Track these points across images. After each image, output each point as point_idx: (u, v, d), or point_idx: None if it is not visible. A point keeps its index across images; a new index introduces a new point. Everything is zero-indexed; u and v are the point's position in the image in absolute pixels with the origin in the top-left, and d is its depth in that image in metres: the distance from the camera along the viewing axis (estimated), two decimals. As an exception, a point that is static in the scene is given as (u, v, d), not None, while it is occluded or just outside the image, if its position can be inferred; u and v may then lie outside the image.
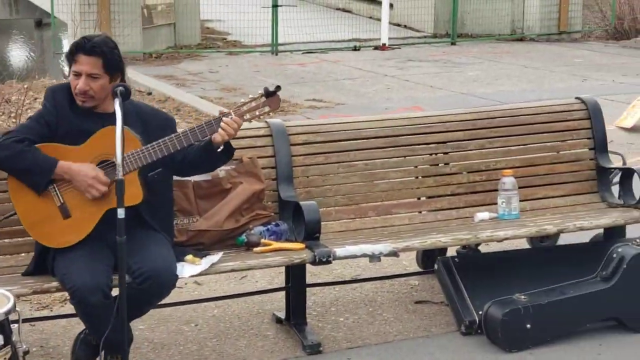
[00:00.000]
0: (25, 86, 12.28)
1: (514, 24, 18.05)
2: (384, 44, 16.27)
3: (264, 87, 4.01)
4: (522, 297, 4.45)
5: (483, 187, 5.01)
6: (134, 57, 14.98)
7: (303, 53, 15.86)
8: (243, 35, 17.03)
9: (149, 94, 11.72)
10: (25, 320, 4.72)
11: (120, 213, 3.46)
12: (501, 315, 4.37)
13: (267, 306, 4.96)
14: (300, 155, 4.73)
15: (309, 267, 5.34)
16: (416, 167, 4.94)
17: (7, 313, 2.98)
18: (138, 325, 4.73)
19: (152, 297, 3.91)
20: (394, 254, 4.39)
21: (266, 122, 4.77)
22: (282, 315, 4.70)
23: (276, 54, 15.84)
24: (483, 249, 5.33)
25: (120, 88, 3.78)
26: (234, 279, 5.40)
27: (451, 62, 14.79)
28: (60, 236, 3.88)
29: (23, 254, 4.21)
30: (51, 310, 4.96)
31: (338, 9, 21.15)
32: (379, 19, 16.95)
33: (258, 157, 4.64)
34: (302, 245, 4.32)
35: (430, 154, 4.97)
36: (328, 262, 4.24)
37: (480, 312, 4.49)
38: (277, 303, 4.88)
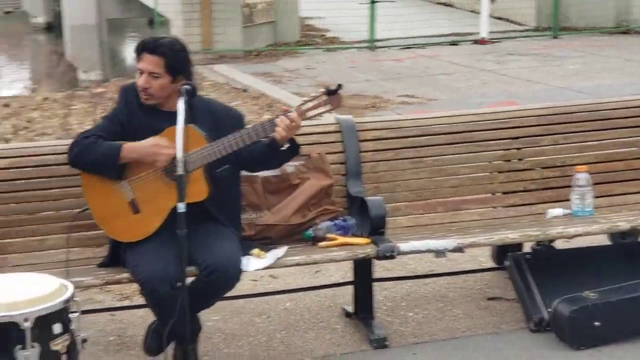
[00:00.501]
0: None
1: (619, 17, 17.66)
2: (483, 38, 16.14)
3: (324, 86, 4.06)
4: (592, 294, 4.39)
5: (557, 183, 4.95)
6: (234, 55, 15.26)
7: (400, 48, 15.86)
8: (342, 31, 17.13)
9: (244, 91, 11.91)
10: (105, 310, 4.94)
11: (181, 207, 3.55)
12: (569, 313, 4.32)
13: (339, 300, 5.01)
14: (370, 151, 4.76)
15: (383, 262, 5.43)
16: (487, 162, 4.90)
17: (66, 302, 3.10)
18: (212, 317, 4.86)
19: (218, 289, 4.01)
20: (459, 249, 4.38)
21: (336, 118, 4.82)
22: (350, 309, 4.75)
23: (373, 50, 15.88)
24: (562, 245, 5.28)
25: (186, 87, 3.89)
26: (308, 273, 5.48)
27: (552, 56, 14.57)
28: (130, 231, 4.01)
29: (99, 248, 4.34)
30: (131, 301, 5.11)
31: (439, 3, 21.07)
32: (480, 13, 16.81)
33: (327, 153, 4.69)
34: (367, 240, 4.36)
35: (503, 150, 4.93)
36: (392, 257, 4.27)
37: (550, 310, 4.45)
38: (348, 297, 4.92)
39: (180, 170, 3.58)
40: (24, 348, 2.93)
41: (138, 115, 4.09)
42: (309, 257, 4.24)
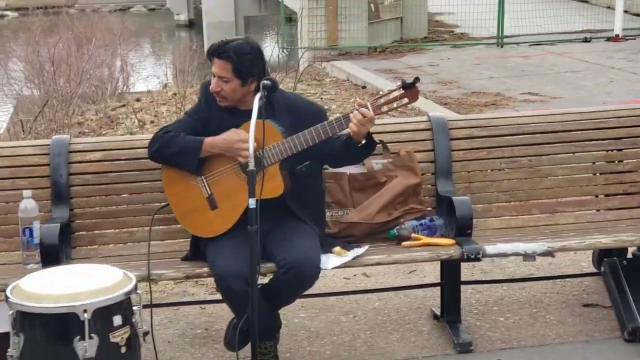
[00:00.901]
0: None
1: None
2: (617, 35, 15.61)
3: (401, 79, 3.99)
4: (690, 304, 4.17)
5: (661, 186, 4.72)
6: (358, 51, 15.24)
7: (529, 45, 15.50)
8: (471, 27, 16.88)
9: (364, 87, 11.88)
10: (196, 303, 5.00)
11: (252, 203, 3.54)
12: (664, 323, 4.12)
13: (429, 302, 4.92)
14: (461, 149, 4.65)
15: (481, 264, 5.32)
16: (586, 164, 4.72)
17: (127, 294, 3.13)
18: (299, 314, 4.86)
19: (295, 287, 3.98)
20: (548, 253, 4.23)
21: (428, 115, 4.74)
22: (439, 311, 4.66)
23: (501, 46, 15.59)
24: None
25: (265, 82, 3.88)
26: (402, 273, 5.41)
27: (688, 55, 13.99)
28: (209, 226, 4.03)
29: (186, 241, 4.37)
30: (223, 295, 5.15)
31: (575, -1, 20.50)
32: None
33: (417, 151, 4.61)
34: (452, 241, 4.26)
35: (603, 151, 4.74)
36: (477, 259, 4.15)
37: (645, 319, 4.25)
38: (438, 299, 4.82)
39: (251, 166, 3.56)
40: (82, 339, 2.97)
41: (218, 113, 4.10)
42: (389, 256, 4.17)
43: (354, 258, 4.12)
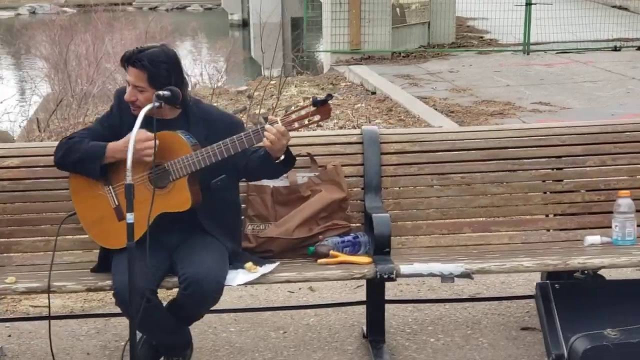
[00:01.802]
0: (272, 82, 12.81)
1: None
2: (647, 44, 15.26)
3: (312, 96, 3.88)
4: (613, 333, 3.99)
5: (601, 208, 4.54)
6: (382, 56, 15.11)
7: (556, 53, 15.23)
8: (501, 33, 16.64)
9: (373, 93, 11.74)
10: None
11: (129, 218, 3.46)
12: (583, 350, 3.93)
13: (364, 319, 4.80)
14: (392, 164, 4.52)
15: (430, 281, 5.20)
16: (522, 182, 4.55)
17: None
18: (229, 327, 4.77)
19: (197, 303, 3.89)
20: (466, 275, 4.08)
21: (360, 128, 4.62)
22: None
23: (527, 54, 15.33)
24: (614, 275, 4.87)
25: (161, 92, 3.80)
26: (349, 288, 5.28)
27: None
28: (115, 237, 3.95)
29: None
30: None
31: (614, 6, 20.12)
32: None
33: (347, 165, 4.49)
34: (368, 260, 4.13)
35: (541, 169, 4.56)
36: (390, 279, 4.02)
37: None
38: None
39: (128, 180, 3.48)
40: None
41: (130, 122, 4.01)
42: (300, 274, 4.06)
43: (262, 275, 4.01)
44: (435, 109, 10.43)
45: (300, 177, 4.45)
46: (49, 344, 3.99)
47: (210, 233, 4.03)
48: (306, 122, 3.83)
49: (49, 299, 3.98)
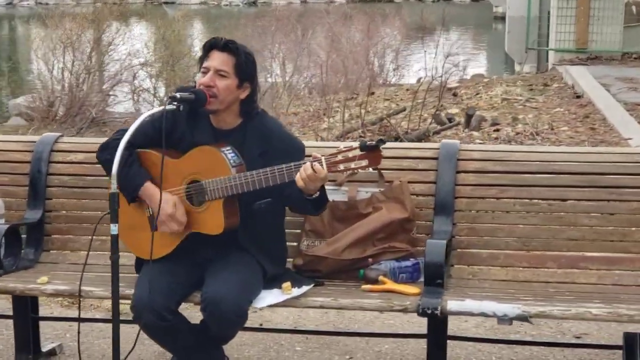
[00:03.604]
0: (485, 80, 12.30)
1: None
2: None
3: (360, 140, 3.45)
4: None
5: None
6: (610, 56, 14.12)
7: None
8: None
9: (578, 97, 10.92)
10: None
11: (113, 229, 3.22)
12: None
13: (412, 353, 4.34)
14: (469, 184, 4.02)
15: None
16: (621, 215, 3.90)
17: None
18: (296, 346, 4.53)
19: (216, 324, 3.57)
20: (524, 319, 3.53)
21: (440, 141, 4.15)
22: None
23: None
24: None
25: (181, 94, 3.53)
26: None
27: None
28: (145, 247, 3.71)
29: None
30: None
31: None
32: None
33: (418, 182, 4.05)
34: (417, 290, 3.68)
35: (643, 201, 3.90)
36: (433, 315, 3.55)
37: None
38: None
39: (113, 188, 3.23)
40: None
41: (183, 126, 3.76)
42: (335, 300, 3.66)
43: (290, 298, 3.66)
44: None
45: (364, 192, 4.05)
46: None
47: (248, 252, 3.73)
48: (352, 165, 3.40)
49: (79, 303, 3.85)
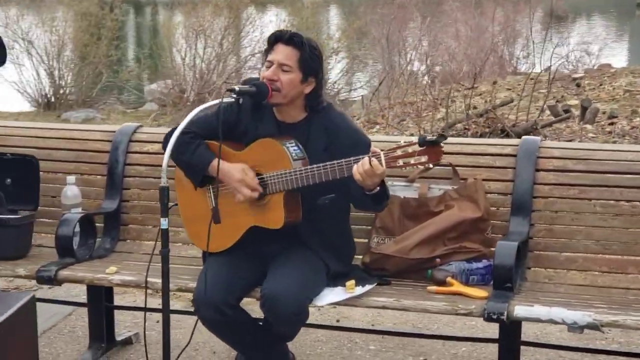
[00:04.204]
0: (612, 70, 11.87)
1: None
2: None
3: (419, 135, 3.33)
4: None
5: None
6: None
7: None
8: None
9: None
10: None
11: (163, 224, 3.20)
12: None
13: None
14: (548, 184, 3.84)
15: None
16: None
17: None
18: (370, 345, 4.45)
19: (275, 321, 3.52)
20: (595, 327, 3.33)
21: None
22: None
23: None
24: None
25: (243, 87, 3.48)
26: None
27: None
28: (206, 239, 3.68)
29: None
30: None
31: None
32: None
33: (494, 180, 3.89)
34: (485, 294, 3.53)
35: None
36: (498, 320, 3.40)
37: None
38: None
39: (163, 182, 3.20)
40: None
41: (248, 119, 3.72)
42: (398, 301, 3.55)
43: (348, 297, 3.57)
44: None
45: (437, 189, 3.92)
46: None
47: (311, 248, 3.66)
48: (412, 161, 3.28)
49: (145, 294, 3.84)
